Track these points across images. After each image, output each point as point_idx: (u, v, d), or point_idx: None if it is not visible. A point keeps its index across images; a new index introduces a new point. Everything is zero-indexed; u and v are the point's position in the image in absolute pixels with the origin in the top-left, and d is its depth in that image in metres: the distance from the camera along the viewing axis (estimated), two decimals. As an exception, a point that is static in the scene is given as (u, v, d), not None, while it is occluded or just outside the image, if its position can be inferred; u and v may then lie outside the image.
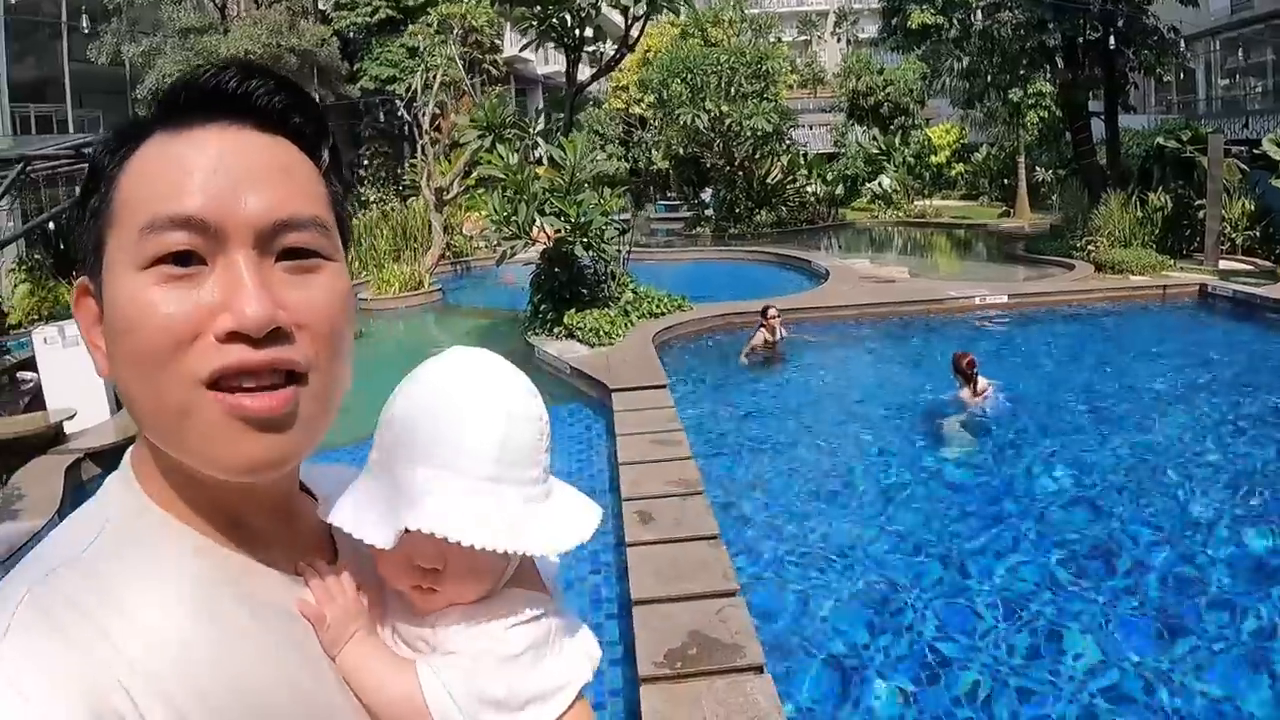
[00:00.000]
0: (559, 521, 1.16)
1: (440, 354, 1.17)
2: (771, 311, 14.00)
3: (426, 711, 1.11)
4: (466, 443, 1.09)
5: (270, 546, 1.08)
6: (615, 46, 17.75)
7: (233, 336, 0.94)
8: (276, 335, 0.96)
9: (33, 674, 0.83)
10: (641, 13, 16.07)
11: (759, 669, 4.91)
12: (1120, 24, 24.63)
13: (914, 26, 25.79)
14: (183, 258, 0.95)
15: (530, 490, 1.14)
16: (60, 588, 0.90)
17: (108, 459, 10.21)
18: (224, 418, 0.95)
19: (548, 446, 1.18)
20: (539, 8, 15.68)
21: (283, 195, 0.99)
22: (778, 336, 14.05)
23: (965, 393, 10.88)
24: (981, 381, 10.86)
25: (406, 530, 1.07)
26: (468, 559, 1.11)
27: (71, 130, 25.29)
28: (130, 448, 1.07)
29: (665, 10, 15.85)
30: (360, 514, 1.12)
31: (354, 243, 25.30)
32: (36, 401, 12.00)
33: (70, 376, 11.23)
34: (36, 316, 18.08)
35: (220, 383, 0.94)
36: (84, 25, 27.62)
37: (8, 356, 14.75)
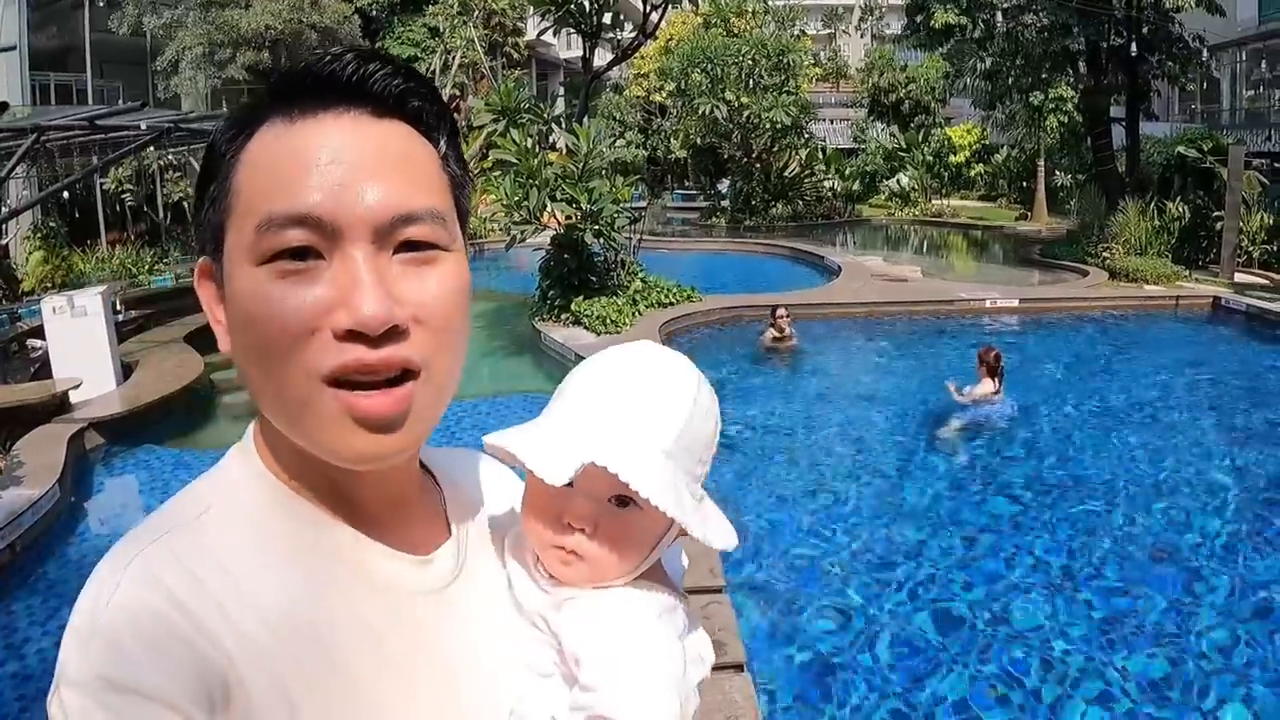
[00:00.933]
0: (713, 520, 1.15)
1: (635, 343, 1.20)
2: (780, 311, 14.05)
3: None
4: (656, 413, 1.10)
5: (383, 523, 1.09)
6: (634, 33, 17.67)
7: (350, 334, 0.94)
8: (393, 332, 0.95)
9: (137, 631, 0.86)
10: (661, 1, 16.01)
11: (739, 667, 4.88)
12: (1145, 31, 24.53)
13: (937, 25, 25.62)
14: (300, 252, 0.95)
15: (694, 485, 1.14)
16: (172, 551, 0.93)
17: (112, 429, 10.25)
18: (340, 414, 0.96)
19: (714, 451, 1.19)
20: (559, -8, 15.68)
21: (400, 187, 0.98)
22: (786, 334, 14.08)
23: (984, 387, 10.95)
24: (992, 383, 10.89)
25: (584, 466, 1.04)
26: (620, 529, 1.12)
27: (90, 100, 25.26)
28: (254, 421, 1.09)
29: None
30: (535, 449, 1.09)
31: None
32: (45, 370, 12.05)
33: (77, 346, 11.27)
34: (50, 284, 18.11)
35: (338, 379, 0.95)
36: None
37: (19, 323, 14.81)
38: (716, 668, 3.93)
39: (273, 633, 0.93)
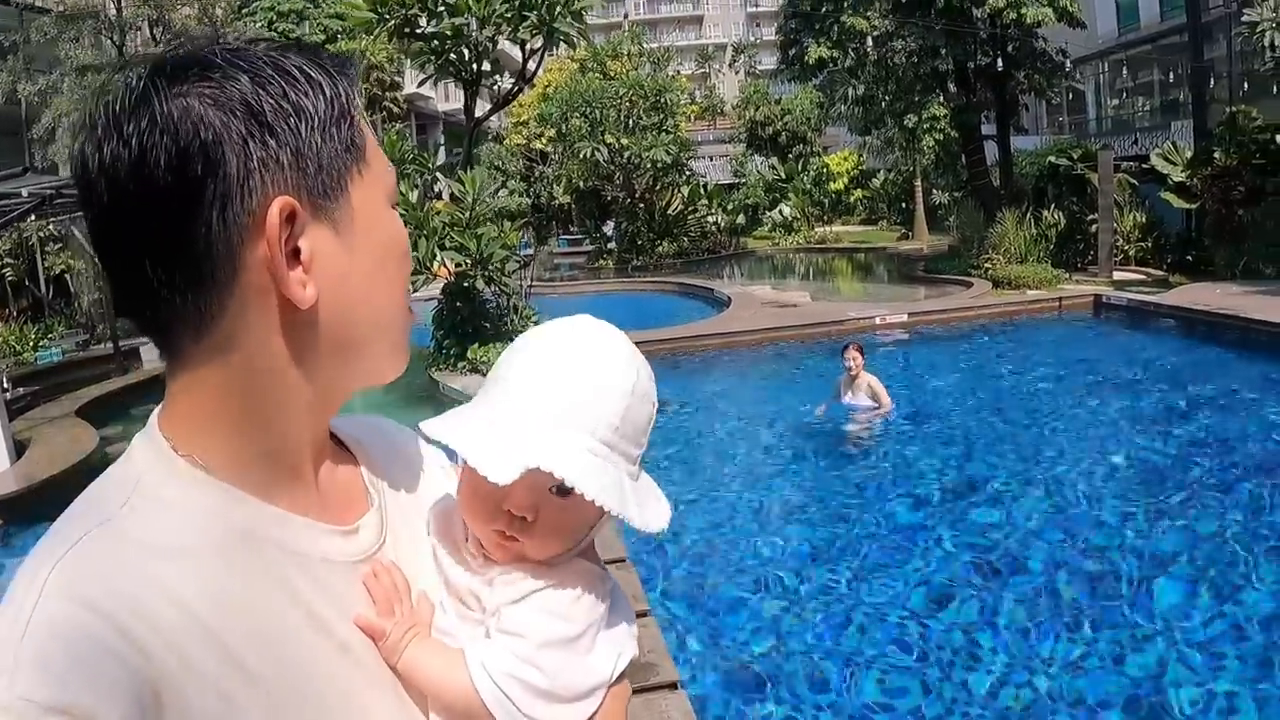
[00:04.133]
0: (650, 502, 1.17)
1: (570, 318, 1.18)
2: None
3: (480, 707, 1.10)
4: (596, 405, 1.10)
5: (308, 496, 1.08)
6: (513, 80, 17.75)
7: None
8: None
9: (64, 647, 0.82)
10: (539, 46, 16.11)
11: (673, 685, 4.89)
12: (1010, 48, 25.31)
13: (811, 60, 26.17)
14: None
15: (631, 468, 1.15)
16: (91, 556, 0.89)
17: (9, 508, 9.93)
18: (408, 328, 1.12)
19: (651, 430, 1.19)
20: (436, 42, 15.64)
21: None
22: None
23: (849, 392, 11.17)
24: (867, 376, 11.16)
25: (528, 470, 1.04)
26: (559, 515, 1.13)
27: (-39, 171, 24.62)
28: (156, 411, 1.05)
29: (563, 43, 15.87)
30: (478, 446, 1.08)
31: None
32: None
33: (-32, 426, 10.96)
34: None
35: None
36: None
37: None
38: (651, 689, 3.91)
39: (203, 627, 0.91)
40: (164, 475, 0.99)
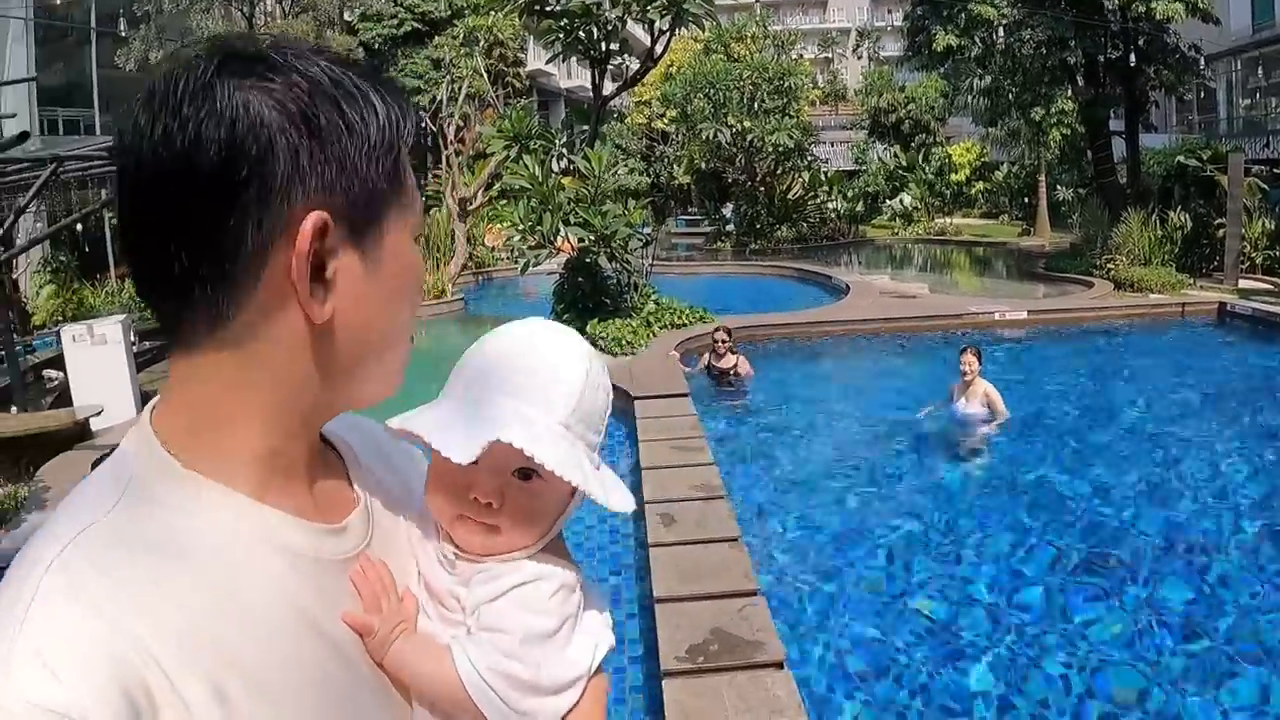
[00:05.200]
0: (612, 487, 1.22)
1: (525, 319, 1.26)
2: (720, 335, 13.18)
3: (468, 699, 1.15)
4: (552, 388, 1.17)
5: (302, 495, 1.10)
6: (640, 60, 17.83)
7: None
8: None
9: (60, 647, 0.83)
10: (666, 27, 16.16)
11: (779, 664, 4.98)
12: (1141, 42, 24.70)
13: (938, 48, 25.80)
14: None
15: (591, 455, 1.20)
16: (87, 552, 0.90)
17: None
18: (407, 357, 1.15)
19: (607, 421, 1.26)
20: (565, 21, 15.76)
21: None
22: (727, 359, 13.02)
23: (964, 398, 10.93)
24: (983, 383, 10.89)
25: (489, 444, 1.10)
26: (525, 500, 1.18)
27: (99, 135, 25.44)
28: (150, 406, 1.07)
29: (690, 25, 15.90)
30: (440, 430, 1.15)
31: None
32: (61, 400, 12.12)
33: (97, 374, 11.36)
34: (60, 317, 18.24)
35: None
36: (121, 29, 27.81)
37: (32, 355, 14.91)
38: (758, 665, 4.02)
39: (199, 626, 0.91)
40: (156, 475, 1.00)
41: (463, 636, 1.17)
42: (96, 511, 0.94)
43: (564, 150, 16.39)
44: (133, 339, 13.60)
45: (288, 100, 0.96)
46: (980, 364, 10.94)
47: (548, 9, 16.08)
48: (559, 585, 1.20)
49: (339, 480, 1.18)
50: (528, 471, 1.16)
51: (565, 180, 16.13)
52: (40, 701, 0.80)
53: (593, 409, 1.20)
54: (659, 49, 16.51)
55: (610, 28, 15.87)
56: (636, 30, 17.93)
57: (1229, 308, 17.76)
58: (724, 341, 12.90)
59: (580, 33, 15.98)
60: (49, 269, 20.65)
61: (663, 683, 4.90)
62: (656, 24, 16.02)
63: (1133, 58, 24.90)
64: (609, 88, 18.05)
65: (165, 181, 0.93)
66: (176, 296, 0.97)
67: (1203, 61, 26.78)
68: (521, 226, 14.73)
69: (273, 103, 0.95)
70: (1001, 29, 25.70)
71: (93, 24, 28.46)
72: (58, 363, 12.96)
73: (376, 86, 1.04)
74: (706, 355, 13.21)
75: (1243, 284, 19.97)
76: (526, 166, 14.72)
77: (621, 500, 1.21)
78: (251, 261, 0.95)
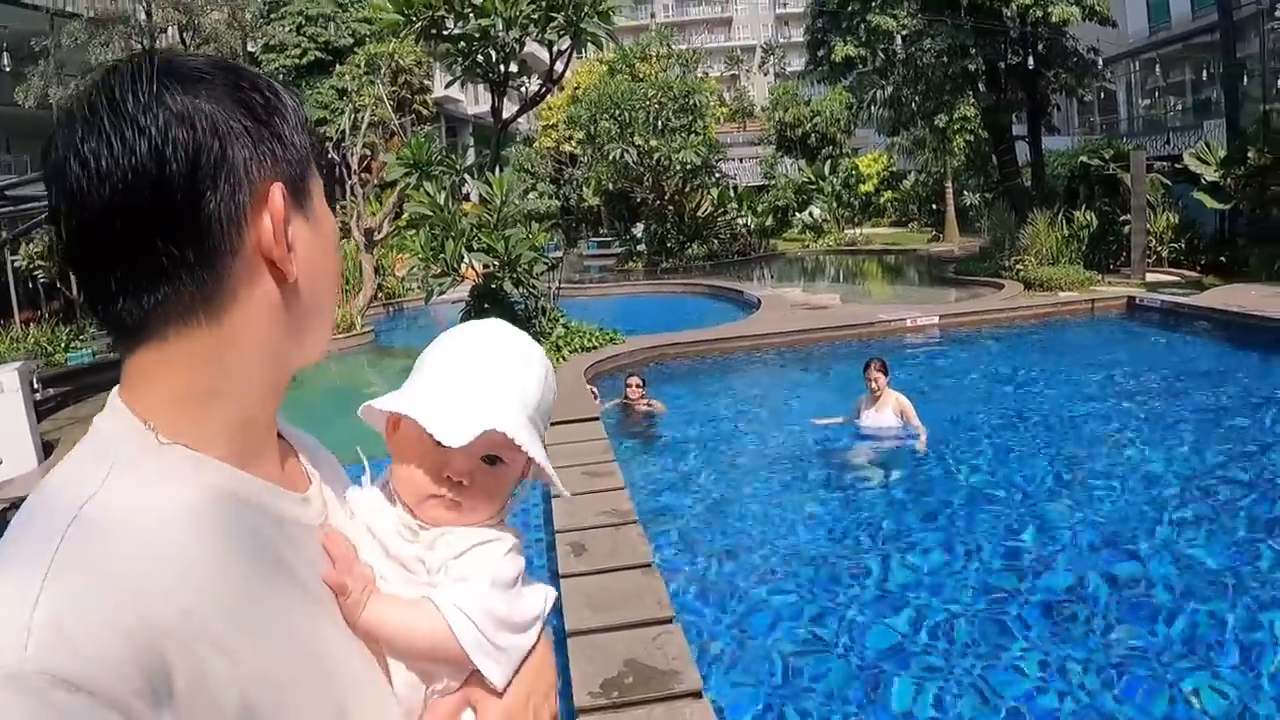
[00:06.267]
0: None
1: (492, 321, 1.42)
2: (633, 381, 12.70)
3: (453, 636, 1.26)
4: (522, 386, 1.35)
5: (273, 466, 1.17)
6: (541, 82, 17.73)
7: None
8: None
9: (77, 620, 0.84)
10: (566, 48, 16.07)
11: (697, 694, 4.81)
12: (1040, 47, 25.16)
13: (838, 59, 26.07)
14: None
15: (543, 446, 1.37)
16: (94, 526, 0.92)
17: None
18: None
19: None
20: (463, 44, 15.62)
21: None
22: (641, 408, 12.59)
23: (873, 409, 10.75)
24: (893, 395, 10.72)
25: (484, 433, 1.26)
26: (489, 481, 1.35)
27: (-4, 174, 24.91)
28: (116, 392, 1.10)
29: (589, 44, 15.81)
30: (432, 415, 1.29)
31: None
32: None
33: (-3, 424, 11.01)
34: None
35: None
36: (5, 65, 27.30)
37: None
38: (676, 696, 3.83)
39: (205, 590, 0.95)
40: (140, 448, 1.03)
41: (443, 590, 1.29)
42: (90, 484, 0.97)
43: (466, 175, 16.22)
44: (35, 386, 13.20)
45: (225, 95, 1.05)
46: (887, 375, 10.77)
47: (445, 33, 15.91)
48: (511, 545, 1.36)
49: (293, 459, 1.27)
50: (493, 458, 1.34)
51: (468, 206, 15.97)
52: (59, 672, 0.81)
53: (547, 405, 1.40)
54: (559, 69, 16.41)
55: (508, 50, 15.74)
56: (541, 52, 17.81)
57: (1138, 301, 18.06)
58: (637, 386, 12.56)
59: (479, 56, 15.83)
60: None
61: (575, 721, 4.73)
62: (555, 45, 15.92)
63: (1032, 62, 25.32)
64: (511, 110, 17.91)
65: (139, 187, 0.98)
66: (161, 290, 1.02)
67: (1100, 63, 27.32)
68: (424, 255, 14.53)
69: (215, 99, 1.04)
70: (901, 40, 26.00)
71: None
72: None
73: (269, 78, 1.14)
74: (621, 397, 12.83)
75: (1150, 277, 20.36)
76: (428, 194, 14.51)
77: (562, 484, 1.42)
78: (231, 239, 1.03)
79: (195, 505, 1.01)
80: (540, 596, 1.40)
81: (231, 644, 0.95)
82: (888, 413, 10.68)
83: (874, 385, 10.74)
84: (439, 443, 1.27)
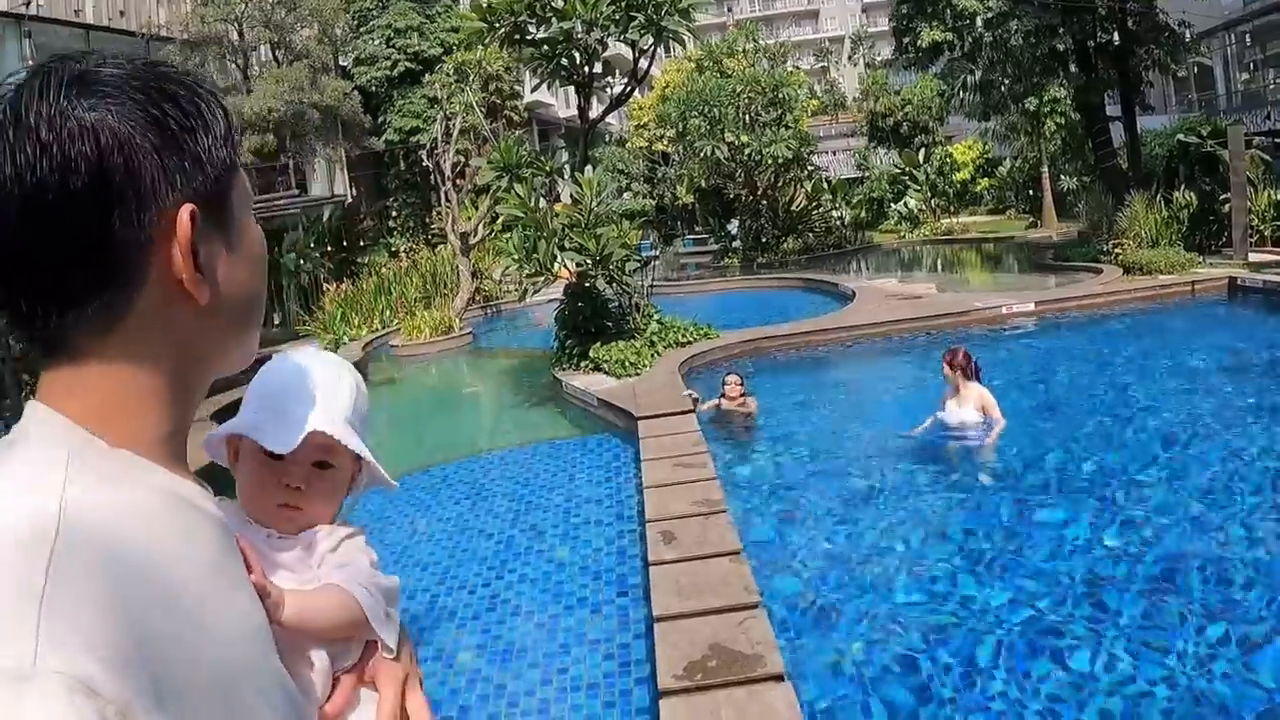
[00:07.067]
0: (381, 469, 1.64)
1: (301, 349, 1.63)
2: (731, 379, 12.35)
3: (361, 609, 1.47)
4: (337, 395, 1.56)
5: (189, 476, 1.14)
6: (627, 81, 17.83)
7: None
8: None
9: (82, 621, 0.85)
10: (648, 46, 16.15)
11: (779, 678, 4.88)
12: (1130, 23, 24.63)
13: (925, 44, 25.86)
14: None
15: (366, 441, 1.59)
16: (79, 531, 0.91)
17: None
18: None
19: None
20: (546, 47, 15.77)
21: None
22: (739, 401, 12.23)
23: (954, 402, 10.45)
24: (975, 388, 10.41)
25: (308, 434, 1.47)
26: (323, 483, 1.56)
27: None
28: (41, 405, 1.06)
29: (672, 41, 15.87)
30: (259, 430, 1.49)
31: (384, 291, 25.55)
32: None
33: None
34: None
35: None
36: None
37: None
38: (757, 680, 3.94)
39: (170, 588, 0.97)
40: (90, 451, 1.02)
41: (335, 575, 1.50)
42: (51, 485, 0.95)
43: (557, 177, 16.38)
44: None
45: (136, 110, 1.04)
46: (968, 367, 10.42)
47: (529, 38, 16.08)
48: (363, 538, 1.61)
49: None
50: (323, 463, 1.54)
51: (559, 207, 16.12)
52: (70, 671, 0.82)
53: (364, 410, 1.62)
54: (643, 67, 16.50)
55: (591, 51, 15.86)
56: (624, 51, 17.91)
57: (1240, 282, 17.60)
58: (737, 385, 12.22)
59: (562, 59, 15.98)
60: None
61: (660, 702, 4.82)
62: (638, 44, 16.00)
63: (1121, 39, 24.81)
64: (598, 111, 18.05)
65: (41, 205, 0.98)
66: (68, 310, 1.02)
67: (1193, 37, 26.67)
68: (517, 255, 14.73)
69: (125, 114, 1.02)
70: (983, 21, 25.62)
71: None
72: None
73: (200, 85, 1.14)
74: (718, 398, 12.54)
75: (1253, 257, 19.81)
76: (518, 195, 14.70)
77: (389, 480, 1.67)
78: (137, 261, 1.03)
79: (151, 506, 1.02)
80: (395, 578, 1.60)
81: (191, 640, 0.96)
82: (969, 408, 10.34)
83: (947, 377, 10.54)
84: (274, 454, 1.49)
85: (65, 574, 0.87)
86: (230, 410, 1.48)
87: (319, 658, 1.44)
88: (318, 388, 1.54)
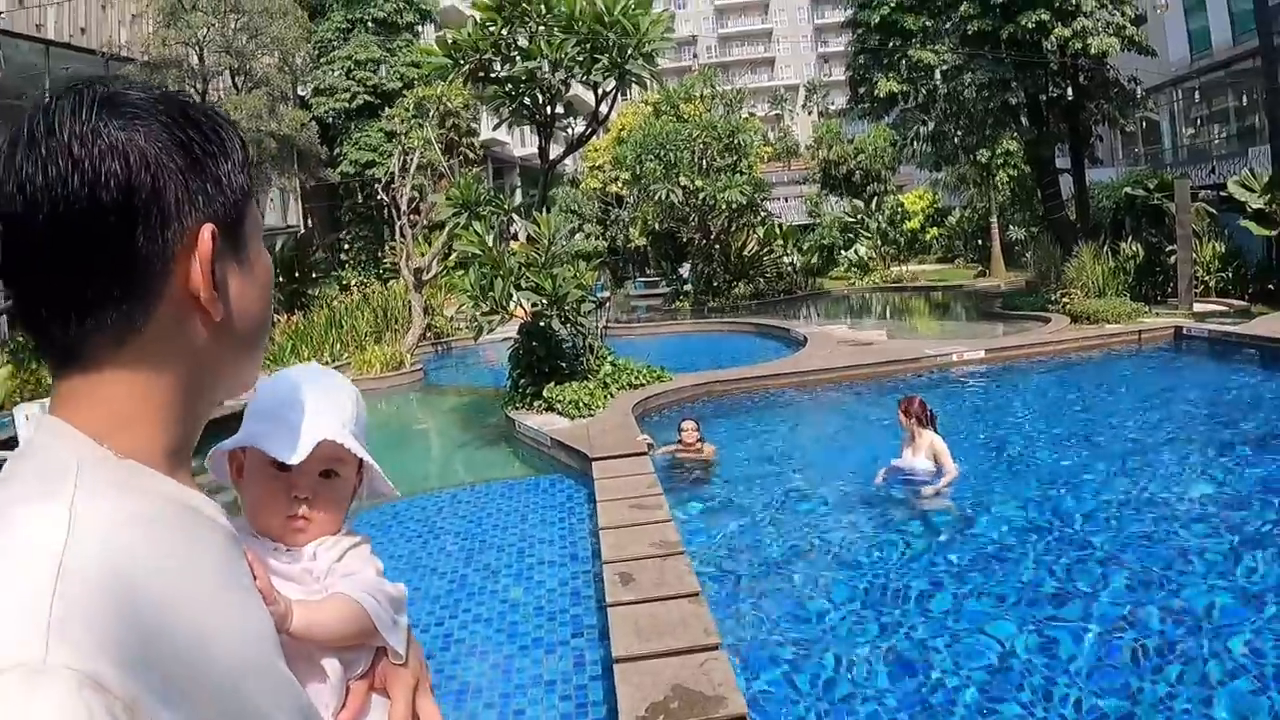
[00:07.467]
0: (384, 473, 1.69)
1: (302, 365, 1.68)
2: (686, 425, 12.44)
3: (369, 617, 1.50)
4: (339, 407, 1.61)
5: (195, 486, 1.17)
6: (586, 124, 17.91)
7: None
8: None
9: (93, 621, 0.87)
10: (610, 88, 16.25)
11: (741, 718, 4.90)
12: (1081, 79, 25.12)
13: (881, 95, 26.17)
14: None
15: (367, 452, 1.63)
16: (90, 524, 0.95)
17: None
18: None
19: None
20: (510, 86, 15.82)
21: None
22: (695, 446, 12.13)
23: (909, 449, 10.52)
24: (928, 436, 10.43)
25: (318, 444, 1.51)
26: (329, 494, 1.60)
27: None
28: (49, 412, 1.11)
29: (634, 85, 15.96)
30: (268, 440, 1.52)
31: (335, 325, 25.43)
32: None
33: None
34: (19, 398, 17.97)
35: None
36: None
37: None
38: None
39: (180, 592, 1.00)
40: (99, 461, 1.05)
41: (342, 584, 1.54)
42: (62, 491, 0.98)
43: (514, 215, 16.40)
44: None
45: (164, 132, 1.08)
46: (923, 416, 10.49)
47: (492, 76, 16.12)
48: (368, 547, 1.65)
49: None
50: (328, 473, 1.59)
51: (515, 246, 16.14)
52: (80, 668, 0.83)
53: (364, 421, 1.66)
54: (603, 110, 16.58)
55: (554, 91, 15.93)
56: (586, 94, 17.99)
57: (1185, 331, 17.97)
58: (693, 430, 12.19)
59: (525, 98, 16.03)
60: (7, 350, 20.41)
61: (622, 744, 4.81)
62: (600, 86, 16.09)
63: (1073, 94, 25.33)
64: (557, 152, 18.10)
65: (69, 217, 1.02)
66: (88, 319, 1.05)
67: (1142, 93, 27.22)
68: (473, 293, 14.70)
69: (153, 136, 1.07)
70: (941, 74, 26.02)
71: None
72: (12, 444, 12.74)
73: (217, 114, 1.19)
74: (675, 444, 12.43)
75: (1198, 307, 20.25)
76: (476, 233, 14.70)
77: (393, 488, 1.71)
78: (158, 276, 1.07)
79: (161, 513, 1.05)
80: (398, 586, 1.63)
81: (206, 636, 1.00)
82: (922, 456, 10.39)
83: (903, 425, 10.62)
84: (281, 466, 1.53)
85: (75, 577, 0.89)
86: (223, 425, 1.47)
87: (331, 666, 1.48)
88: (321, 399, 1.58)
